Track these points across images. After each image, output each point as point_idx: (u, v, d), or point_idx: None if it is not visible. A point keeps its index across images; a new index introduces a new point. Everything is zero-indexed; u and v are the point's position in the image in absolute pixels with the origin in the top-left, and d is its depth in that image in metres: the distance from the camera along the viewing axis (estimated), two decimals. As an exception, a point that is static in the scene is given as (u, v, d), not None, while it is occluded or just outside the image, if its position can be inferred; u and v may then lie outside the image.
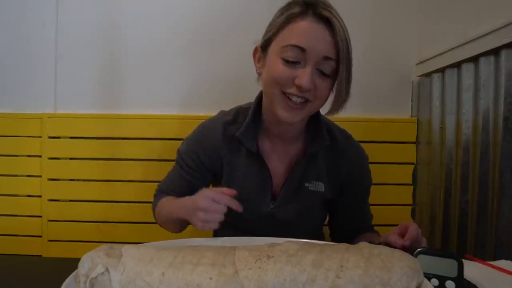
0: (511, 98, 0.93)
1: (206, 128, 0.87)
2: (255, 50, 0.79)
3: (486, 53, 1.00)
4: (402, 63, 1.42)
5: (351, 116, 1.36)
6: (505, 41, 0.92)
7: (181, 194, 0.85)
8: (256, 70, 0.79)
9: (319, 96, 0.72)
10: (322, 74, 0.70)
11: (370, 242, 0.75)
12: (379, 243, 0.70)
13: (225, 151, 0.84)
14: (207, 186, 0.90)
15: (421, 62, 1.34)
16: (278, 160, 0.84)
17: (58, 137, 1.40)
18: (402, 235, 0.66)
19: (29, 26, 1.42)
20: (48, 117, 1.39)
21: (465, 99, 1.09)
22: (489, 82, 1.00)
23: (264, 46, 0.76)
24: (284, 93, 0.71)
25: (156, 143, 1.39)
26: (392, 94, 1.43)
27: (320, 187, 0.84)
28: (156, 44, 1.42)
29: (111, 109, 1.42)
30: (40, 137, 1.39)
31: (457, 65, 1.13)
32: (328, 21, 0.68)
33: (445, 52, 1.16)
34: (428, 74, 1.30)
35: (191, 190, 0.86)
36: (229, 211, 0.89)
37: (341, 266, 0.44)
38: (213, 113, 0.92)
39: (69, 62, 1.42)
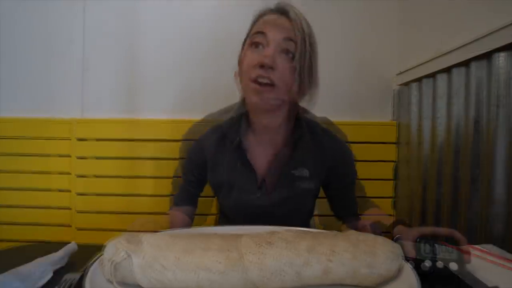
0: (480, 104, 0.92)
1: (196, 142, 0.89)
2: (235, 74, 0.78)
3: (458, 65, 1.00)
4: (384, 74, 1.41)
5: (341, 120, 1.36)
6: (474, 54, 0.92)
7: (185, 202, 0.88)
8: (238, 90, 0.78)
9: (283, 79, 0.70)
10: (286, 55, 0.70)
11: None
12: None
13: (211, 146, 0.83)
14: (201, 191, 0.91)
15: (401, 73, 1.34)
16: (263, 151, 0.81)
17: (85, 139, 1.40)
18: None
19: (59, 43, 1.42)
20: (76, 122, 1.39)
21: (439, 105, 1.09)
22: (461, 91, 1.00)
23: (241, 50, 0.77)
24: (253, 81, 0.70)
25: (169, 144, 1.39)
26: (376, 101, 1.43)
27: (305, 172, 0.80)
28: (168, 60, 1.42)
29: (130, 114, 1.42)
30: (69, 139, 1.39)
31: (433, 75, 1.13)
32: (286, 12, 0.71)
33: (422, 64, 1.16)
34: (407, 83, 1.29)
35: (191, 198, 0.89)
36: (222, 202, 0.87)
37: (332, 251, 0.44)
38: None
39: (94, 74, 1.43)
